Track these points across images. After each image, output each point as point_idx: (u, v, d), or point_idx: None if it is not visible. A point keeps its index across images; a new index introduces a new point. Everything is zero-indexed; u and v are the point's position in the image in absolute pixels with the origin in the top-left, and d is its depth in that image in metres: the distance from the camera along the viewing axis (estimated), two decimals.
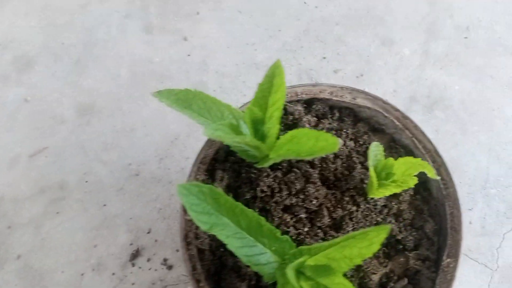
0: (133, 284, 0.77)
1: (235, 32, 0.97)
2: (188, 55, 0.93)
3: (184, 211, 0.46)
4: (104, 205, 0.81)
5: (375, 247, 0.37)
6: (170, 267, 0.78)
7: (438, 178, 0.48)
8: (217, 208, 0.41)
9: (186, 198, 0.40)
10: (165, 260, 0.79)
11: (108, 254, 0.78)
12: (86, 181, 0.82)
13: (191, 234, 0.45)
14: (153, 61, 0.92)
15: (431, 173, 0.43)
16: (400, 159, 0.44)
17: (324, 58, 0.97)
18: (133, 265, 0.78)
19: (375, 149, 0.43)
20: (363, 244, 0.37)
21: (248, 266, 0.46)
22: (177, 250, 0.79)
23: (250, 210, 0.41)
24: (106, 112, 0.87)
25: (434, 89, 0.97)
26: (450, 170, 0.89)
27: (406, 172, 0.44)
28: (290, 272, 0.35)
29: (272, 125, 0.41)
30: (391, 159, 0.44)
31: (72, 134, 0.85)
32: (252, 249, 0.42)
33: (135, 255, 0.78)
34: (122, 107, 0.88)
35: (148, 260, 0.78)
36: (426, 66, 0.99)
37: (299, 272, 0.39)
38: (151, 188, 0.83)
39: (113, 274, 0.77)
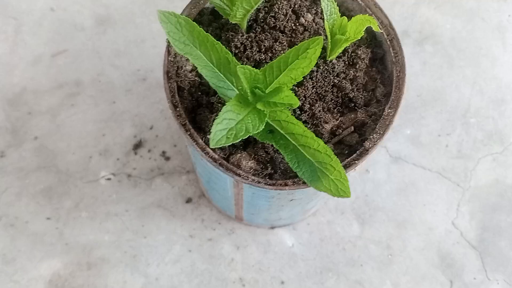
0: (134, 169, 0.87)
1: None
2: None
3: (168, 51, 0.55)
4: (114, 102, 0.91)
5: (313, 63, 0.45)
6: (167, 159, 0.88)
7: (381, 31, 0.55)
8: (191, 40, 0.49)
9: (165, 25, 0.48)
10: (163, 152, 0.88)
11: (114, 143, 0.88)
12: (99, 81, 0.92)
13: (172, 71, 0.54)
14: None
15: (375, 26, 0.51)
16: (353, 18, 0.52)
17: None
18: (136, 153, 0.88)
19: (328, 3, 0.51)
20: (305, 64, 0.46)
21: (219, 103, 0.55)
22: (175, 145, 0.89)
23: (219, 43, 0.49)
24: (120, 24, 0.97)
25: (426, 26, 1.03)
26: (433, 98, 0.96)
27: (357, 29, 0.52)
28: (241, 74, 0.44)
29: None
30: (345, 18, 0.52)
31: (89, 40, 0.95)
32: (220, 83, 0.51)
33: (138, 145, 0.88)
34: (135, 20, 0.97)
35: (149, 151, 0.88)
36: (421, 4, 1.05)
37: (258, 89, 0.47)
38: (155, 91, 0.93)
39: (118, 159, 0.87)
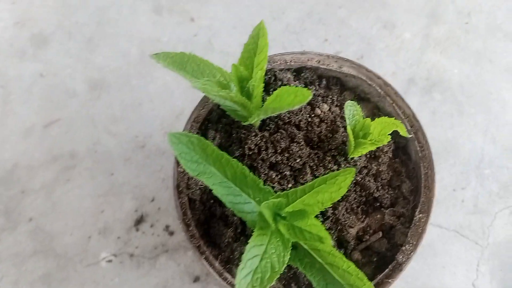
0: (136, 247, 0.82)
1: (240, 14, 1.00)
2: (195, 35, 0.98)
3: (177, 163, 0.50)
4: (112, 174, 0.86)
5: (343, 190, 0.41)
6: (171, 233, 0.83)
7: (410, 135, 0.51)
8: (204, 158, 0.45)
9: (176, 146, 0.44)
10: (167, 226, 0.83)
11: (114, 219, 0.83)
12: (96, 151, 0.87)
13: (182, 184, 0.49)
14: (161, 41, 0.97)
15: (403, 132, 0.47)
16: (377, 119, 0.48)
17: (326, 40, 1.00)
18: (137, 230, 0.83)
19: (351, 108, 0.47)
20: (333, 189, 0.41)
21: (234, 215, 0.50)
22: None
23: (235, 160, 0.45)
24: (115, 87, 0.92)
25: (433, 72, 0.99)
26: (445, 150, 0.92)
27: (381, 131, 0.47)
28: (264, 208, 0.39)
29: (257, 83, 0.45)
30: (368, 119, 0.48)
31: (83, 107, 0.90)
32: (237, 198, 0.47)
33: (139, 221, 0.83)
34: (131, 82, 0.92)
35: (151, 226, 0.83)
36: (426, 49, 1.01)
37: (278, 216, 0.43)
38: (156, 159, 0.88)
39: (118, 237, 0.82)
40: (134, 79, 0.93)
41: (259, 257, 0.41)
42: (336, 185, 0.41)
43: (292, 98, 0.42)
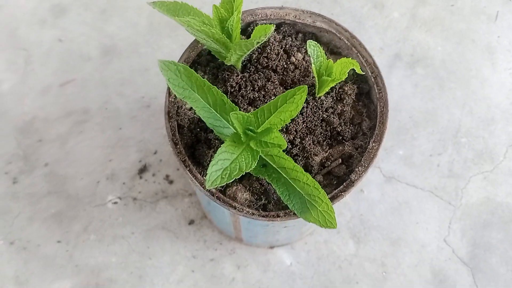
0: (139, 192, 0.92)
1: None
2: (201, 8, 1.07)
3: (169, 92, 0.60)
4: (120, 128, 0.96)
5: (299, 107, 0.50)
6: (171, 182, 0.93)
7: (363, 73, 0.59)
8: (189, 85, 0.54)
9: (165, 72, 0.53)
10: (167, 176, 0.93)
11: (121, 168, 0.93)
12: (106, 109, 0.97)
13: (173, 111, 0.59)
14: None
15: (358, 69, 0.55)
16: (338, 61, 0.56)
17: None
18: (141, 177, 0.92)
19: (314, 48, 0.56)
20: (292, 108, 0.50)
21: (216, 139, 0.59)
22: (178, 169, 0.94)
23: (215, 87, 0.54)
24: (125, 54, 1.02)
25: (418, 49, 1.07)
26: (424, 119, 0.99)
27: (341, 70, 0.56)
28: (233, 118, 0.48)
29: (235, 24, 0.54)
30: (330, 61, 0.57)
31: (96, 70, 1.00)
32: (217, 122, 0.56)
33: (143, 170, 0.93)
34: (139, 50, 1.02)
35: (153, 175, 0.93)
36: (412, 28, 1.09)
37: (249, 130, 0.52)
38: (159, 118, 0.97)
39: (124, 183, 0.92)
40: (142, 47, 1.03)
41: (229, 161, 0.50)
42: (294, 104, 0.50)
43: (262, 31, 0.51)
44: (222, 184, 0.48)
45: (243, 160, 0.51)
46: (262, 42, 0.55)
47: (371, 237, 0.92)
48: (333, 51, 0.67)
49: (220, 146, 0.50)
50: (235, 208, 0.55)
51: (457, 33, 1.09)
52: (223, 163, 0.49)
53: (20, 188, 0.91)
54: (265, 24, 0.63)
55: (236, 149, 0.51)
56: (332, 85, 0.57)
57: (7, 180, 0.91)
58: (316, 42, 0.56)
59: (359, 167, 0.57)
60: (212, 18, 0.55)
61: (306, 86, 0.49)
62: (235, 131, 0.52)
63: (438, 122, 1.01)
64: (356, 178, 0.56)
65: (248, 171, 0.50)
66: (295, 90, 0.49)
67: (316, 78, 0.57)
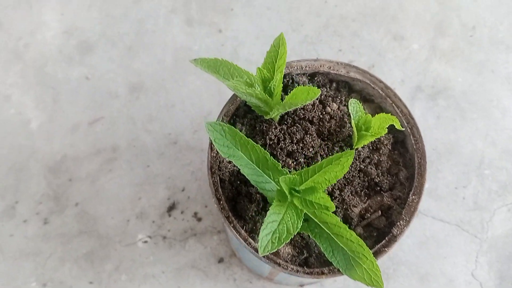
0: (169, 230, 0.93)
1: (263, 26, 1.11)
2: (222, 45, 1.09)
3: (210, 148, 0.61)
4: (148, 166, 0.97)
5: (345, 169, 0.51)
6: (199, 219, 0.94)
7: (403, 129, 0.61)
8: (234, 143, 0.55)
9: (211, 133, 0.55)
10: (195, 213, 0.94)
11: (150, 206, 0.94)
12: (134, 146, 0.99)
13: (215, 166, 0.60)
14: (193, 49, 1.08)
15: (398, 125, 0.57)
16: (376, 115, 0.58)
17: (340, 50, 1.10)
18: (170, 215, 0.94)
19: (355, 105, 0.57)
20: (337, 169, 0.51)
21: (257, 193, 0.60)
22: (206, 206, 0.95)
23: (258, 145, 0.55)
24: (152, 90, 1.03)
25: (438, 80, 1.09)
26: (447, 151, 1.00)
27: (380, 125, 0.57)
28: (282, 182, 0.49)
29: (277, 83, 0.56)
30: (369, 115, 0.58)
31: (124, 107, 1.02)
32: (260, 178, 0.57)
33: (171, 207, 0.94)
34: (165, 86, 1.04)
35: (182, 212, 0.94)
36: (432, 60, 1.10)
37: (293, 191, 0.53)
38: (186, 154, 0.99)
39: (153, 222, 0.93)
40: (168, 83, 1.05)
41: (277, 222, 0.51)
42: (340, 165, 0.51)
43: (306, 95, 0.53)
44: (274, 250, 0.49)
45: (289, 219, 0.52)
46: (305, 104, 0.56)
47: (400, 272, 0.92)
48: (366, 99, 0.68)
49: (269, 208, 0.51)
50: (279, 265, 0.56)
51: (477, 64, 1.10)
52: (272, 226, 0.50)
53: (51, 229, 0.92)
54: (300, 76, 0.65)
55: (281, 208, 0.52)
56: (371, 139, 0.58)
57: (38, 221, 0.92)
58: (356, 100, 0.57)
59: (401, 221, 0.58)
60: (255, 79, 0.57)
61: (353, 151, 0.50)
62: (278, 188, 0.53)
63: (461, 154, 1.02)
64: (398, 232, 0.57)
65: (296, 232, 0.51)
66: (341, 154, 0.50)
67: (355, 133, 0.58)
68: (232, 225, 0.57)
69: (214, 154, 0.61)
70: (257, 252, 0.57)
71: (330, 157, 0.51)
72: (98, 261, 0.90)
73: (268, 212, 0.51)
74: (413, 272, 0.92)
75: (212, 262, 0.91)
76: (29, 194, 0.94)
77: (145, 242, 0.92)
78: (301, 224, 0.52)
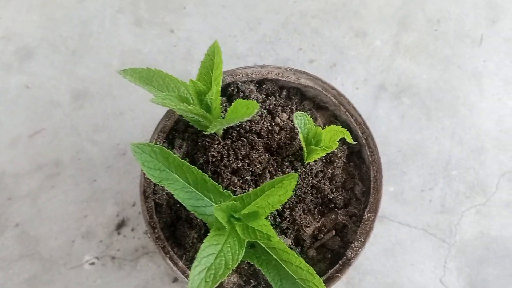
0: (118, 250, 0.86)
1: (218, 25, 1.05)
2: (174, 46, 1.02)
3: (144, 172, 0.55)
4: (94, 180, 0.90)
5: (289, 193, 0.45)
6: None
7: (355, 142, 0.55)
8: (167, 165, 0.49)
9: (139, 156, 0.48)
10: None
11: (97, 224, 0.87)
12: (79, 159, 0.91)
13: (149, 190, 0.54)
14: (142, 52, 1.01)
15: (349, 139, 0.51)
16: (327, 128, 0.52)
17: (301, 49, 1.05)
18: (119, 233, 0.87)
19: (301, 118, 0.51)
20: (281, 192, 0.46)
21: (198, 218, 0.54)
22: None
23: (195, 167, 0.49)
24: (98, 97, 0.96)
25: (402, 77, 1.04)
26: (413, 152, 0.96)
27: (331, 138, 0.52)
28: (216, 211, 0.44)
29: (214, 97, 0.50)
30: (319, 128, 0.52)
31: (67, 117, 0.94)
32: (198, 202, 0.51)
33: (121, 225, 0.87)
34: (112, 92, 0.97)
35: (132, 229, 0.87)
36: (396, 56, 1.06)
37: (233, 217, 0.47)
38: (136, 166, 0.92)
39: (101, 241, 0.86)
40: (115, 89, 0.97)
41: (214, 255, 0.45)
42: (283, 189, 0.45)
43: (245, 110, 0.47)
44: None
45: (229, 249, 0.46)
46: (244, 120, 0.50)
47: (366, 282, 0.88)
48: (320, 106, 0.63)
49: (204, 238, 0.45)
50: None
51: (442, 59, 1.06)
52: (207, 261, 0.44)
53: None
54: (247, 83, 0.59)
55: (221, 238, 0.46)
56: (322, 154, 0.53)
57: None
58: (303, 113, 0.51)
59: (355, 242, 0.53)
60: (190, 92, 0.50)
61: (296, 174, 0.44)
62: (217, 221, 0.47)
63: (427, 154, 0.98)
64: (352, 255, 0.52)
65: (235, 266, 0.45)
66: (283, 177, 0.45)
67: (304, 147, 0.53)
68: (168, 256, 0.51)
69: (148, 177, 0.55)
70: None
71: (272, 180, 0.45)
72: (41, 286, 0.83)
73: (202, 245, 0.45)
74: (379, 282, 0.88)
75: (166, 282, 0.84)
76: None
77: (92, 263, 0.85)
78: (242, 254, 0.46)
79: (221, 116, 0.53)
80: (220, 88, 0.51)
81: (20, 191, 0.88)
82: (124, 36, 1.02)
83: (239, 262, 0.45)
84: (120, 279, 0.84)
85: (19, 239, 0.85)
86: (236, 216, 0.46)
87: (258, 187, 0.46)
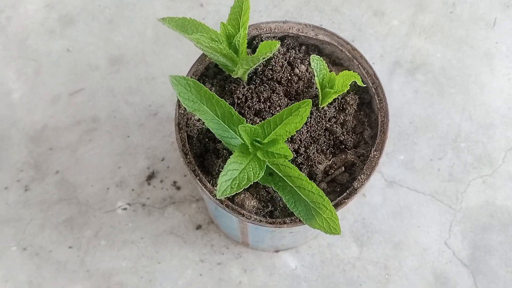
0: (148, 198, 0.94)
1: None
2: (203, 18, 1.10)
3: (178, 105, 0.62)
4: (128, 136, 0.99)
5: (304, 119, 0.52)
6: (178, 188, 0.95)
7: (364, 85, 0.62)
8: (199, 98, 0.56)
9: (176, 87, 0.56)
10: (174, 182, 0.96)
11: (129, 175, 0.96)
12: (114, 117, 1.00)
13: (182, 123, 0.61)
14: None
15: (359, 81, 0.58)
16: (340, 73, 0.59)
17: (321, 25, 1.11)
18: (149, 184, 0.95)
19: (318, 62, 0.58)
20: (297, 120, 0.53)
21: (224, 149, 0.62)
22: (185, 176, 0.96)
23: (223, 100, 0.56)
24: (132, 63, 1.05)
25: (417, 55, 1.10)
26: (424, 125, 1.02)
27: (344, 82, 0.59)
28: (242, 131, 0.51)
29: (242, 40, 0.57)
30: (333, 73, 0.59)
31: (104, 79, 1.03)
32: (225, 133, 0.58)
33: (151, 176, 0.95)
34: (146, 59, 1.05)
35: (161, 181, 0.96)
36: (412, 35, 1.12)
37: (257, 142, 0.54)
38: (166, 125, 1.00)
39: (132, 190, 0.95)
40: (148, 56, 1.06)
41: (238, 171, 0.52)
42: (299, 116, 0.52)
43: (268, 48, 0.54)
44: (232, 194, 0.50)
45: (251, 170, 0.53)
46: (267, 57, 0.57)
47: (374, 240, 0.94)
48: (335, 62, 0.69)
49: (229, 157, 0.52)
50: (243, 215, 0.57)
51: (456, 40, 1.11)
52: (232, 173, 0.52)
53: (32, 196, 0.93)
54: (270, 38, 0.66)
55: (244, 160, 0.54)
56: (335, 96, 0.60)
57: (19, 188, 0.94)
58: (319, 57, 0.58)
59: (361, 175, 0.59)
60: (220, 34, 0.58)
61: (310, 100, 0.51)
62: (242, 142, 0.54)
63: (438, 127, 1.03)
64: (358, 185, 0.59)
65: (256, 180, 0.52)
66: (300, 103, 0.52)
67: (319, 90, 0.60)
68: (198, 178, 0.59)
69: (182, 111, 0.62)
70: (221, 202, 0.58)
71: (289, 107, 0.52)
72: (77, 227, 0.91)
73: (228, 160, 0.52)
74: (387, 240, 0.94)
75: (190, 229, 0.92)
76: (10, 162, 0.96)
77: (124, 209, 0.93)
78: (262, 174, 0.53)
79: None
80: (246, 32, 0.58)
81: (60, 143, 0.97)
82: (158, 8, 1.10)
83: (259, 178, 0.53)
84: (149, 224, 0.92)
85: (58, 185, 0.94)
86: (258, 140, 0.54)
87: (277, 114, 0.53)
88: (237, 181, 0.51)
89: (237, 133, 0.58)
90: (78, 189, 0.94)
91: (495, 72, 1.09)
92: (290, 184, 0.57)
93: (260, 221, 0.57)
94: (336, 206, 0.58)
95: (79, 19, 1.08)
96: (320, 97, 0.61)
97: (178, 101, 0.62)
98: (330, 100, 0.61)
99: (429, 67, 1.09)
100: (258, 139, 0.53)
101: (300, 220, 0.57)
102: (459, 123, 1.04)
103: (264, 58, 0.55)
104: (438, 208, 0.97)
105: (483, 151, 1.02)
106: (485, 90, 1.07)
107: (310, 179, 0.58)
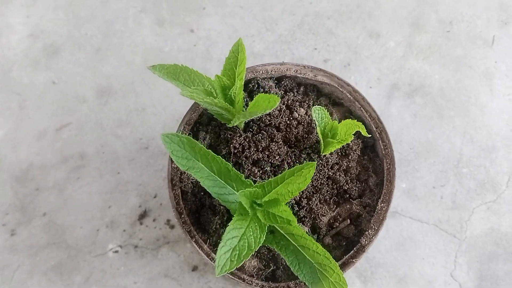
0: (140, 239, 0.90)
1: (236, 25, 1.09)
2: (194, 45, 1.06)
3: (171, 159, 0.58)
4: (118, 172, 0.94)
5: (308, 181, 0.49)
6: (172, 227, 0.91)
7: (369, 135, 0.59)
8: (193, 155, 0.53)
9: (168, 145, 0.52)
10: (168, 220, 0.91)
11: (120, 214, 0.91)
12: (103, 152, 0.96)
13: (176, 178, 0.57)
14: (163, 50, 1.05)
15: (364, 131, 0.55)
16: (342, 122, 0.55)
17: (315, 49, 1.08)
18: (141, 223, 0.91)
19: (319, 112, 0.55)
20: (300, 180, 0.49)
21: (221, 205, 0.58)
22: None
23: (219, 157, 0.53)
24: (121, 94, 1.00)
25: (415, 77, 1.07)
26: (425, 150, 0.99)
27: (347, 132, 0.55)
28: (241, 196, 0.47)
29: (238, 91, 0.53)
30: (335, 122, 0.56)
31: (92, 112, 0.99)
32: (222, 189, 0.54)
33: (143, 215, 0.91)
34: (135, 89, 1.01)
35: (154, 220, 0.91)
36: (409, 57, 1.08)
37: (255, 204, 0.51)
38: (158, 159, 0.96)
39: (124, 230, 0.90)
40: (138, 86, 1.01)
41: (238, 238, 0.49)
42: (302, 177, 0.49)
43: (267, 103, 0.50)
44: (232, 269, 0.46)
45: (251, 233, 0.49)
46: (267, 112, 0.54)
47: (378, 275, 0.91)
48: (335, 102, 0.66)
49: (228, 224, 0.49)
50: (243, 280, 0.54)
51: (454, 60, 1.08)
52: (232, 242, 0.48)
53: (19, 240, 0.89)
54: (266, 80, 0.62)
55: (244, 222, 0.50)
56: (338, 146, 0.56)
57: (5, 232, 0.89)
58: (320, 107, 0.55)
59: (369, 230, 0.56)
60: (215, 84, 0.54)
61: (315, 162, 0.48)
62: (241, 206, 0.51)
63: (439, 152, 1.00)
64: (366, 242, 0.55)
65: (257, 248, 0.48)
66: (303, 166, 0.48)
67: (321, 140, 0.56)
68: (194, 239, 0.55)
69: (175, 166, 0.59)
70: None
71: (292, 168, 0.49)
72: (67, 273, 0.87)
73: (227, 228, 0.48)
74: (391, 274, 0.91)
75: (185, 271, 0.88)
76: None
77: (116, 252, 0.89)
78: (264, 238, 0.50)
79: (243, 110, 0.56)
80: (243, 83, 0.55)
81: (47, 182, 0.93)
82: (147, 35, 1.06)
83: (260, 245, 0.49)
84: (142, 266, 0.88)
85: (46, 228, 0.90)
86: (258, 202, 0.50)
87: (279, 175, 0.50)
88: (237, 251, 0.47)
89: (235, 189, 0.54)
90: (66, 231, 0.89)
91: (495, 92, 1.06)
92: (293, 243, 0.53)
93: (262, 286, 0.54)
94: (343, 266, 0.54)
95: (64, 48, 1.04)
96: (322, 146, 0.57)
97: (171, 158, 0.58)
98: (332, 150, 0.57)
99: (427, 89, 1.06)
100: (257, 201, 0.50)
101: (305, 283, 0.53)
102: (460, 147, 1.01)
103: (262, 113, 0.52)
104: (443, 238, 0.94)
105: (486, 176, 0.99)
106: (485, 111, 1.04)
107: (314, 232, 0.54)
